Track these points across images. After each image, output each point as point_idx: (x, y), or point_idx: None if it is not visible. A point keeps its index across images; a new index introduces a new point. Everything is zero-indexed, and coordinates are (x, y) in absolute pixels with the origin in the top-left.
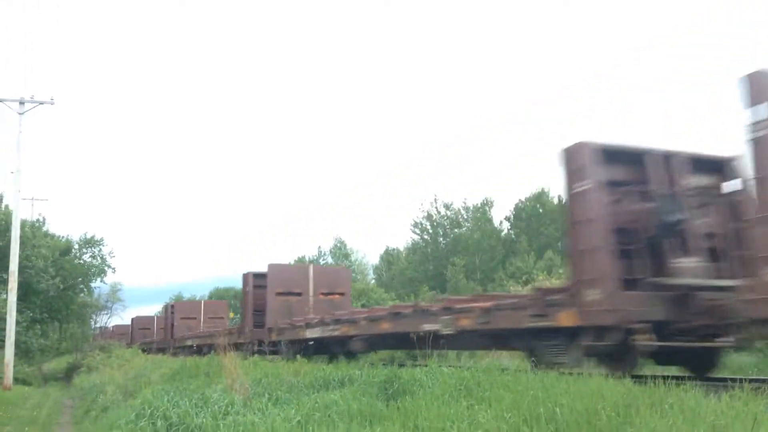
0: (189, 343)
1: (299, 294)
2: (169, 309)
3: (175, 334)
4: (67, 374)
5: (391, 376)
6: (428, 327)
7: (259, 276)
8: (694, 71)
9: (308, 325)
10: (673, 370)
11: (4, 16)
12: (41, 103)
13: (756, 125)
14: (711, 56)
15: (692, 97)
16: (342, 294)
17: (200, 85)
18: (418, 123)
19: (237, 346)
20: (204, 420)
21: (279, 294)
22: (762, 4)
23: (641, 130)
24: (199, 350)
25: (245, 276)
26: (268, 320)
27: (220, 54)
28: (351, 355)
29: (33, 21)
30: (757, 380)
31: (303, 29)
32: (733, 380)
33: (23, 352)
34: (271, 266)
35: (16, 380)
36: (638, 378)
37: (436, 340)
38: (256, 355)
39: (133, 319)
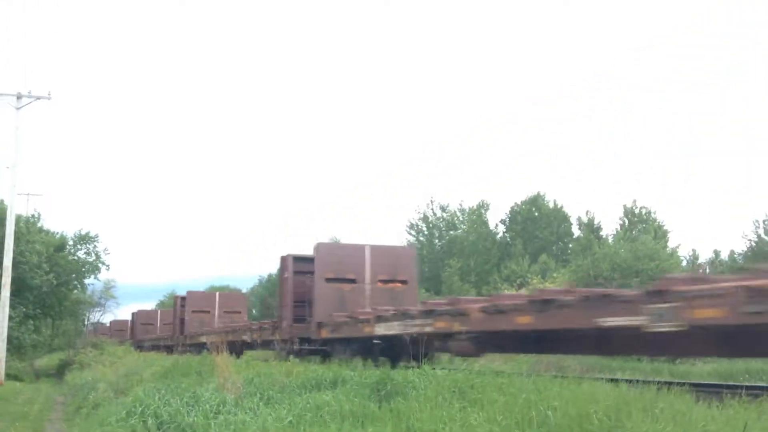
0: (204, 340)
1: (353, 281)
2: (179, 301)
3: (186, 329)
4: (59, 371)
5: (384, 378)
6: (616, 321)
7: (300, 260)
8: (694, 71)
9: (380, 319)
10: (665, 375)
11: (2, 12)
12: (38, 98)
13: None
14: (711, 56)
15: (692, 97)
16: (404, 282)
17: (199, 84)
18: (417, 123)
19: (267, 344)
20: (195, 419)
21: (329, 280)
22: (762, 4)
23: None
24: (215, 350)
25: (283, 259)
26: (317, 312)
27: (220, 52)
28: (430, 359)
29: (31, 16)
30: (752, 387)
31: (303, 29)
32: (728, 386)
33: (15, 347)
34: (319, 245)
35: (7, 376)
36: (630, 382)
37: (625, 342)
38: (291, 356)
39: (134, 314)
